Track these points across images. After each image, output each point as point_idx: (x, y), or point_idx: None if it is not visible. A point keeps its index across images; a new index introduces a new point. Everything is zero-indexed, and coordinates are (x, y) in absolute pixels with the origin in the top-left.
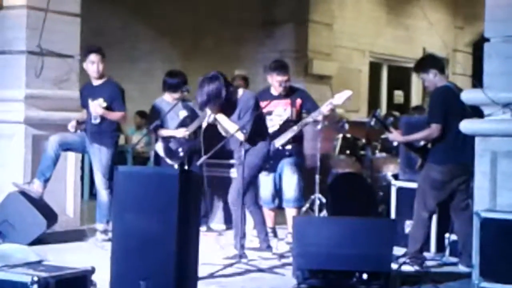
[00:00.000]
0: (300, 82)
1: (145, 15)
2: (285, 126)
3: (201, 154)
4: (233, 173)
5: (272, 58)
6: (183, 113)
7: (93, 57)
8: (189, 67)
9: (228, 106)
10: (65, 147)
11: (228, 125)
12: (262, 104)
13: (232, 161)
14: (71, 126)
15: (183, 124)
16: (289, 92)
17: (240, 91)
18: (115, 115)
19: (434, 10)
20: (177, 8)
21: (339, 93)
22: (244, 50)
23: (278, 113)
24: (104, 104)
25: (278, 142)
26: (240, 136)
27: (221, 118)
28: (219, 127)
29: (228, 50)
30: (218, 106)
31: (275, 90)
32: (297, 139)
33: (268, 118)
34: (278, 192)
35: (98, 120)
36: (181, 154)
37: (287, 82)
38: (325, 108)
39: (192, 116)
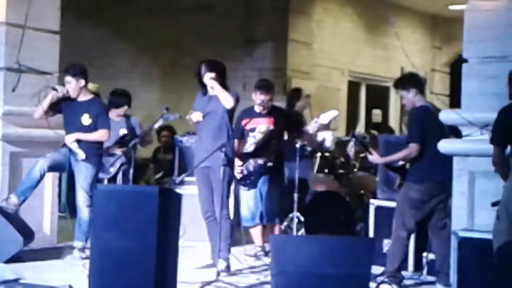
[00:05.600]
0: (279, 101)
1: (124, 32)
2: (267, 143)
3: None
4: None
5: (251, 76)
6: (123, 131)
7: (66, 78)
8: (168, 84)
9: None
10: (52, 169)
11: (221, 91)
12: (246, 121)
13: None
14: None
15: (120, 141)
16: (273, 111)
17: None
18: (94, 136)
19: (412, 30)
20: (156, 25)
21: (324, 113)
22: None
23: (260, 130)
24: (90, 121)
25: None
26: (229, 100)
27: (216, 85)
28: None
29: None
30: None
31: (258, 108)
32: (278, 156)
33: (250, 135)
34: (258, 209)
35: (83, 156)
36: (112, 169)
37: (269, 102)
38: (311, 127)
39: (132, 134)
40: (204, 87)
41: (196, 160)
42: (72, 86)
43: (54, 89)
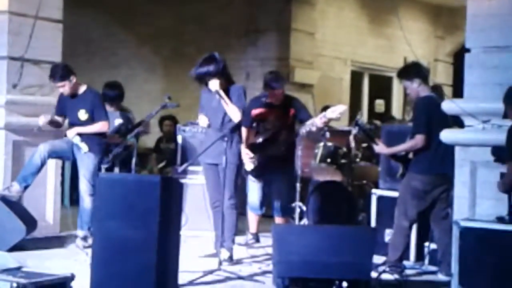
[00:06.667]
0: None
1: (127, 22)
2: (277, 134)
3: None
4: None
5: (254, 66)
6: (118, 121)
7: (57, 84)
8: (170, 74)
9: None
10: (54, 155)
11: (228, 106)
12: (256, 111)
13: None
14: (43, 120)
15: (117, 131)
16: (283, 101)
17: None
18: (94, 128)
19: (415, 20)
20: (159, 14)
21: (333, 107)
22: (226, 58)
23: (271, 120)
24: (86, 116)
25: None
26: (237, 115)
27: (223, 101)
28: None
29: None
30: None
31: (269, 99)
32: (289, 147)
33: (261, 125)
34: (266, 199)
35: (86, 149)
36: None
37: (281, 94)
38: (319, 121)
39: (127, 124)
40: (207, 84)
41: (202, 154)
42: (67, 87)
43: (39, 129)
